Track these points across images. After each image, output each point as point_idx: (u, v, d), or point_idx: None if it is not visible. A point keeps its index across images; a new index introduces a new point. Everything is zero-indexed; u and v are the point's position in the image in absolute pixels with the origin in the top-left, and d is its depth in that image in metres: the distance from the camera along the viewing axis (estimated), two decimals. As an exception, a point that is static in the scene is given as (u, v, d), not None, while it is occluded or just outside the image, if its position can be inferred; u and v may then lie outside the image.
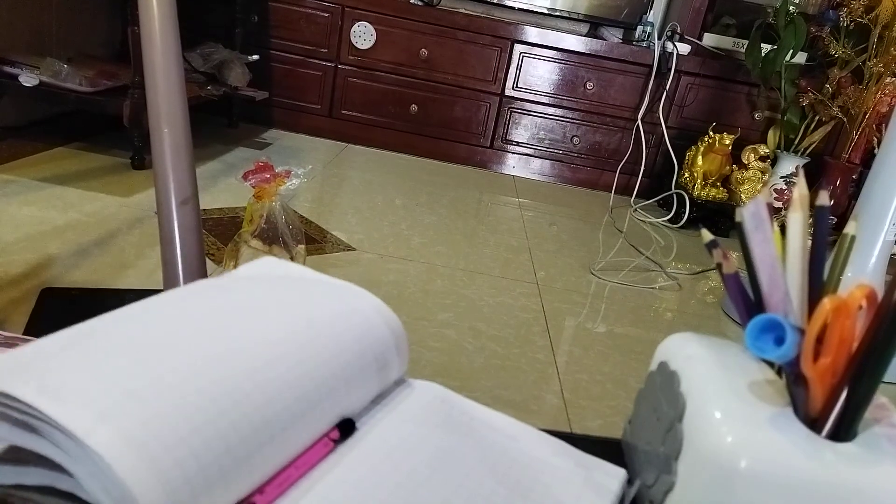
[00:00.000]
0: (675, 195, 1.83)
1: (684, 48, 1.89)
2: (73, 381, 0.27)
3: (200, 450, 0.28)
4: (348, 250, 1.18)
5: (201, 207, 0.84)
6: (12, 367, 0.28)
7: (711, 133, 1.81)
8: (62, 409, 0.25)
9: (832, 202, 1.77)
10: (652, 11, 2.06)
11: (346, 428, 0.37)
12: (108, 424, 0.26)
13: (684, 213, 1.78)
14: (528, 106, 2.00)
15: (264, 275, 0.43)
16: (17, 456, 0.28)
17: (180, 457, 0.27)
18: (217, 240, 1.14)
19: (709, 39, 1.93)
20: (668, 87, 1.92)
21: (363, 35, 1.91)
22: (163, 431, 0.27)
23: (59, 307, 0.74)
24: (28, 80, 1.29)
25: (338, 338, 0.37)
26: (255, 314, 0.36)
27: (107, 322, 0.33)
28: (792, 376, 0.33)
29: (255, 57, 1.78)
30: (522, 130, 2.03)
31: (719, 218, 1.78)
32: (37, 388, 0.26)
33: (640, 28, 2.02)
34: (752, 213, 0.34)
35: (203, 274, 0.78)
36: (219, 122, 1.90)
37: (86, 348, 0.30)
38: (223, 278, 0.41)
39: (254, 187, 1.09)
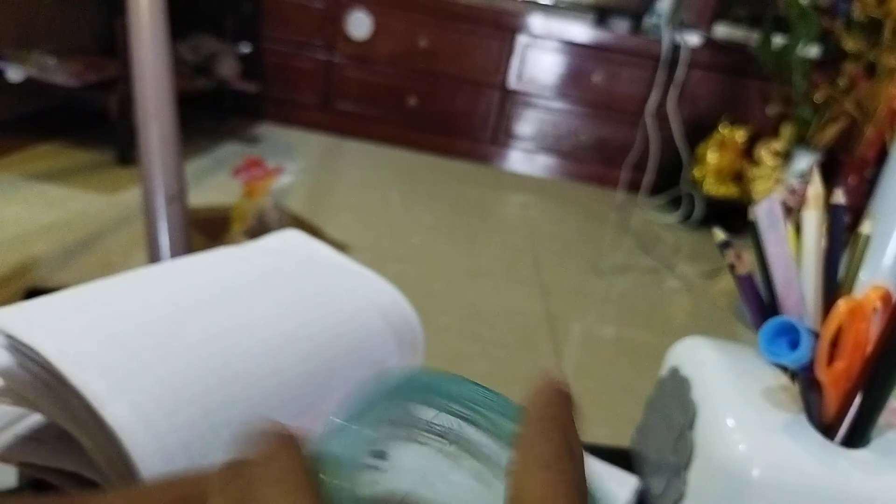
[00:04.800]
0: (685, 192, 1.81)
1: (694, 39, 1.86)
2: (95, 345, 0.28)
3: (207, 434, 0.29)
4: (343, 250, 1.16)
5: (189, 205, 0.85)
6: (36, 318, 0.29)
7: (723, 128, 1.78)
8: (82, 375, 0.26)
9: (847, 200, 1.74)
10: (661, 1, 2.03)
11: None
12: (123, 397, 0.27)
13: (695, 210, 1.76)
14: (531, 99, 1.97)
15: (285, 250, 0.44)
16: (35, 434, 0.29)
17: (187, 438, 0.28)
18: (206, 239, 1.12)
19: (719, 30, 1.90)
20: (677, 80, 1.88)
21: (359, 25, 1.88)
22: (173, 409, 0.28)
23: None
24: (15, 74, 1.29)
25: (334, 336, 0.37)
26: (266, 301, 0.37)
27: (130, 282, 0.34)
28: (806, 381, 0.33)
29: (247, 49, 1.76)
30: (526, 124, 2.00)
31: (732, 216, 1.75)
32: (59, 346, 0.27)
33: (648, 18, 1.99)
34: (766, 212, 0.33)
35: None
36: (208, 116, 1.87)
37: (108, 309, 0.31)
38: (249, 248, 0.42)
39: (244, 184, 1.09)
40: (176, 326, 0.32)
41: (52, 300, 0.31)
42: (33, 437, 0.29)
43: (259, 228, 1.06)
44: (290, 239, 0.45)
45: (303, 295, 0.38)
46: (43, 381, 0.28)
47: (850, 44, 1.69)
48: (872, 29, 1.67)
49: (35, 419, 0.30)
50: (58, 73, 1.34)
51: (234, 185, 1.06)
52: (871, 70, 1.70)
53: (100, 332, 0.29)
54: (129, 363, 0.28)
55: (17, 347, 0.28)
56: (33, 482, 0.32)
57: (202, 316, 0.33)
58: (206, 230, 1.18)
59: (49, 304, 0.31)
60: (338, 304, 0.39)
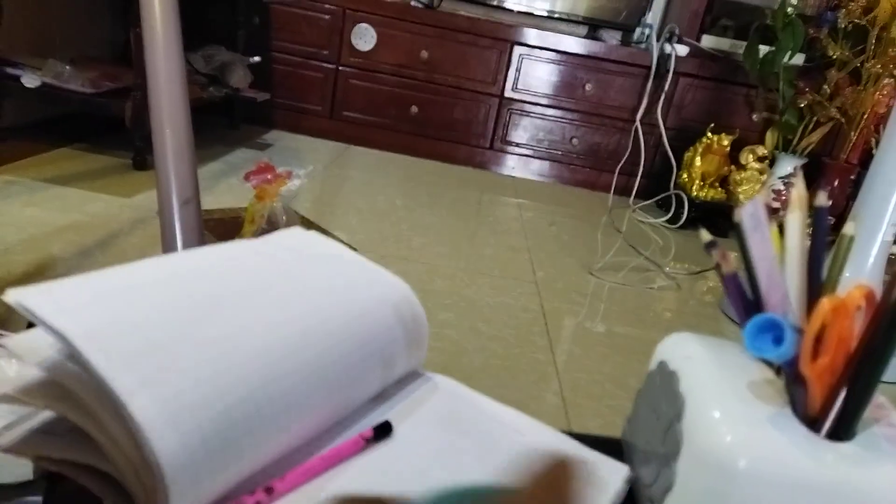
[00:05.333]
0: (673, 196, 1.84)
1: (683, 50, 1.90)
2: (122, 335, 0.28)
3: (227, 429, 0.28)
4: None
5: (203, 208, 0.83)
6: (65, 302, 0.28)
7: (709, 134, 1.82)
8: (110, 367, 0.26)
9: (830, 203, 1.75)
10: (650, 13, 2.07)
11: (382, 430, 0.37)
12: (149, 391, 0.26)
13: (683, 213, 1.79)
14: (527, 107, 2.00)
15: (301, 247, 0.43)
16: (49, 427, 0.29)
17: (208, 433, 0.28)
18: (218, 240, 1.13)
19: (707, 41, 1.93)
20: (666, 89, 1.92)
21: (364, 37, 1.91)
22: (197, 405, 0.27)
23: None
24: (30, 81, 1.29)
25: (349, 333, 0.37)
26: (285, 295, 0.36)
27: (155, 270, 0.34)
28: (791, 376, 0.33)
29: (257, 59, 1.78)
30: (522, 131, 2.03)
31: (718, 218, 1.78)
32: (87, 334, 0.27)
33: (638, 30, 2.02)
34: (750, 214, 0.34)
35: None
36: (220, 123, 1.90)
37: (134, 297, 0.31)
38: (264, 244, 0.42)
39: (255, 188, 1.08)
40: (199, 321, 0.31)
41: (79, 283, 0.30)
42: (47, 431, 0.29)
43: (269, 230, 1.06)
44: (302, 236, 0.45)
45: (320, 291, 0.38)
46: (59, 372, 0.27)
47: (836, 51, 1.71)
48: (857, 36, 1.68)
49: (48, 413, 0.30)
50: (73, 79, 1.34)
51: (246, 188, 1.04)
52: (856, 76, 1.72)
53: (127, 322, 0.29)
54: (155, 357, 0.28)
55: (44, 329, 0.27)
56: (48, 475, 0.32)
57: (225, 311, 0.32)
58: (219, 232, 1.19)
59: (77, 288, 0.30)
60: (353, 300, 0.39)
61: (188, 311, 0.31)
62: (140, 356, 0.27)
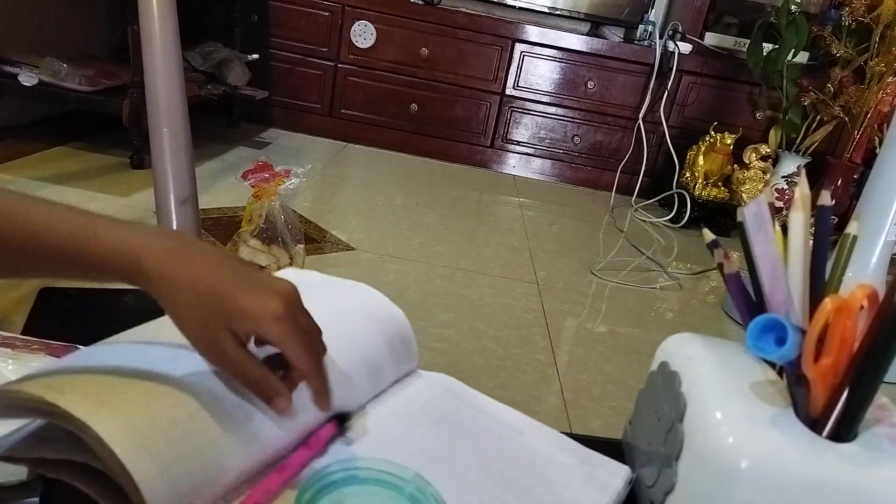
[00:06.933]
0: (676, 195, 1.83)
1: (686, 47, 1.89)
2: (76, 379, 0.30)
3: (195, 429, 0.29)
4: (348, 250, 1.17)
5: (200, 207, 0.86)
6: (24, 376, 0.31)
7: (713, 132, 1.81)
8: (65, 398, 0.28)
9: (833, 202, 1.73)
10: (653, 10, 2.06)
11: (340, 420, 0.37)
12: (107, 409, 0.28)
13: (685, 212, 1.78)
14: (528, 105, 2.00)
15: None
16: (45, 433, 0.30)
17: (174, 435, 0.28)
18: (216, 239, 1.14)
19: (710, 39, 1.93)
20: (669, 87, 1.91)
21: (363, 34, 1.91)
22: (158, 416, 0.29)
23: (58, 307, 0.75)
24: (27, 79, 1.30)
25: (333, 350, 0.38)
26: None
27: (116, 340, 0.36)
28: (793, 377, 0.32)
29: (255, 56, 1.78)
30: (523, 130, 2.03)
31: (721, 218, 1.77)
32: (44, 384, 0.29)
33: (641, 27, 2.02)
34: (753, 213, 0.34)
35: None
36: (218, 121, 1.90)
37: (89, 358, 0.32)
38: None
39: (253, 187, 1.09)
40: (154, 358, 0.32)
41: (50, 365, 0.32)
42: (42, 436, 0.30)
43: (267, 229, 1.08)
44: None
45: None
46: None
47: (840, 49, 1.70)
48: (861, 34, 1.68)
49: (40, 421, 0.31)
50: (70, 78, 1.35)
51: (244, 187, 1.04)
52: (860, 75, 1.71)
53: (82, 370, 0.31)
54: (111, 383, 0.30)
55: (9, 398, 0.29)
56: (42, 476, 0.33)
57: (177, 358, 0.34)
58: (217, 231, 1.19)
59: (48, 368, 0.32)
60: (326, 313, 0.39)
61: (151, 354, 0.33)
62: (94, 387, 0.29)
